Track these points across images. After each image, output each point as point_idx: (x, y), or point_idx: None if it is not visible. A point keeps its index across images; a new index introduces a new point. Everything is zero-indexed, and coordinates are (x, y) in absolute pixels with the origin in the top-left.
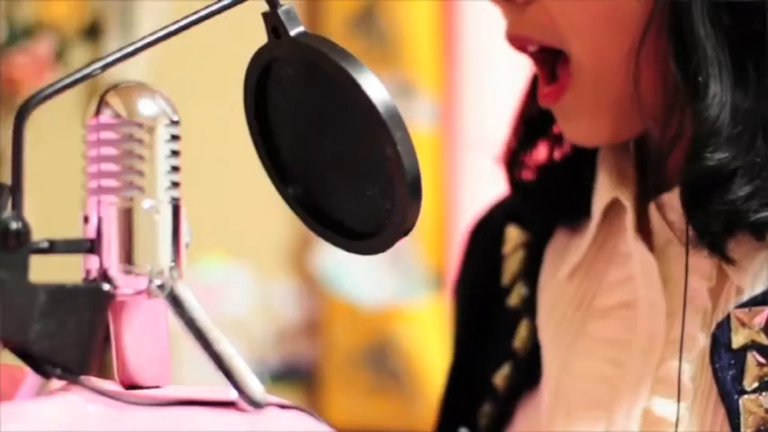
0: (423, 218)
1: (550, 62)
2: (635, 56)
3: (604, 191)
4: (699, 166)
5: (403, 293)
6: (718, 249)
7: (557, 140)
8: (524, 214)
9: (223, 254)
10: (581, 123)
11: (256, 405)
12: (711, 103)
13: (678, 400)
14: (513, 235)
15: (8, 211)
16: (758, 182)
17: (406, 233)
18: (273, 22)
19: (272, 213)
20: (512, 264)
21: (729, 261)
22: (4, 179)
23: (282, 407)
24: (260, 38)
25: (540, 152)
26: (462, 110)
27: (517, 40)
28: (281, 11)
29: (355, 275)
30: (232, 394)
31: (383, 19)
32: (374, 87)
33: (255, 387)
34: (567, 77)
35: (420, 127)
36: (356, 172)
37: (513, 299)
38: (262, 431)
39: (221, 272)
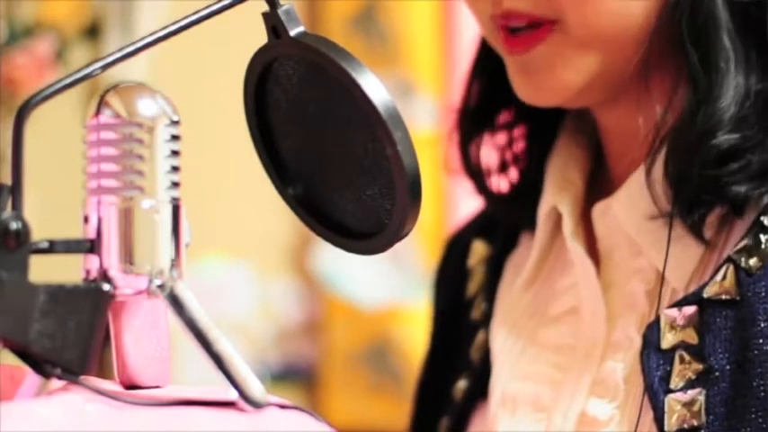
0: (423, 218)
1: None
2: (646, 37)
3: (546, 198)
4: (710, 148)
5: (403, 293)
6: (698, 227)
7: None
8: (493, 222)
9: (223, 254)
10: (545, 77)
11: (256, 405)
12: (728, 88)
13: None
14: (479, 249)
15: (8, 211)
16: (747, 158)
17: (405, 233)
18: (273, 22)
19: (272, 213)
20: (475, 278)
21: (705, 240)
22: (4, 179)
23: (282, 407)
24: (260, 38)
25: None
26: None
27: (513, 17)
28: (280, 11)
29: (355, 275)
30: (232, 394)
31: (383, 19)
32: (374, 87)
33: (255, 387)
34: (545, 32)
35: (420, 127)
36: (356, 172)
37: (475, 312)
38: (262, 431)
39: (221, 272)
